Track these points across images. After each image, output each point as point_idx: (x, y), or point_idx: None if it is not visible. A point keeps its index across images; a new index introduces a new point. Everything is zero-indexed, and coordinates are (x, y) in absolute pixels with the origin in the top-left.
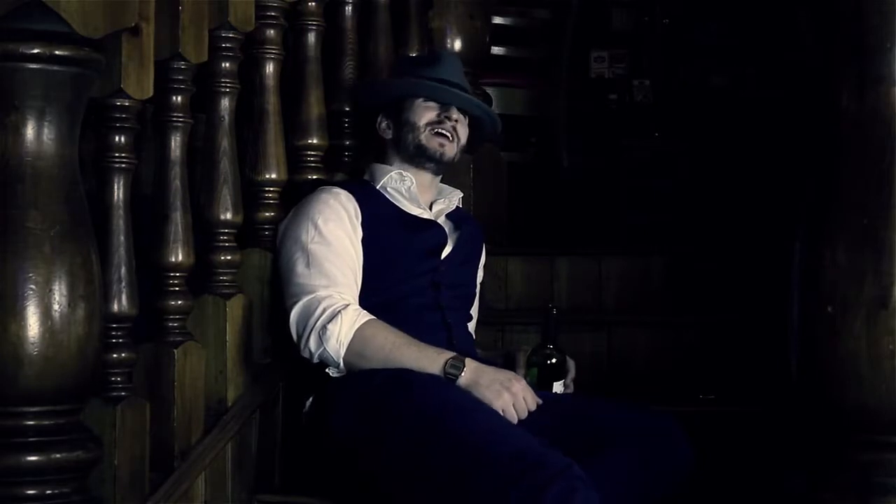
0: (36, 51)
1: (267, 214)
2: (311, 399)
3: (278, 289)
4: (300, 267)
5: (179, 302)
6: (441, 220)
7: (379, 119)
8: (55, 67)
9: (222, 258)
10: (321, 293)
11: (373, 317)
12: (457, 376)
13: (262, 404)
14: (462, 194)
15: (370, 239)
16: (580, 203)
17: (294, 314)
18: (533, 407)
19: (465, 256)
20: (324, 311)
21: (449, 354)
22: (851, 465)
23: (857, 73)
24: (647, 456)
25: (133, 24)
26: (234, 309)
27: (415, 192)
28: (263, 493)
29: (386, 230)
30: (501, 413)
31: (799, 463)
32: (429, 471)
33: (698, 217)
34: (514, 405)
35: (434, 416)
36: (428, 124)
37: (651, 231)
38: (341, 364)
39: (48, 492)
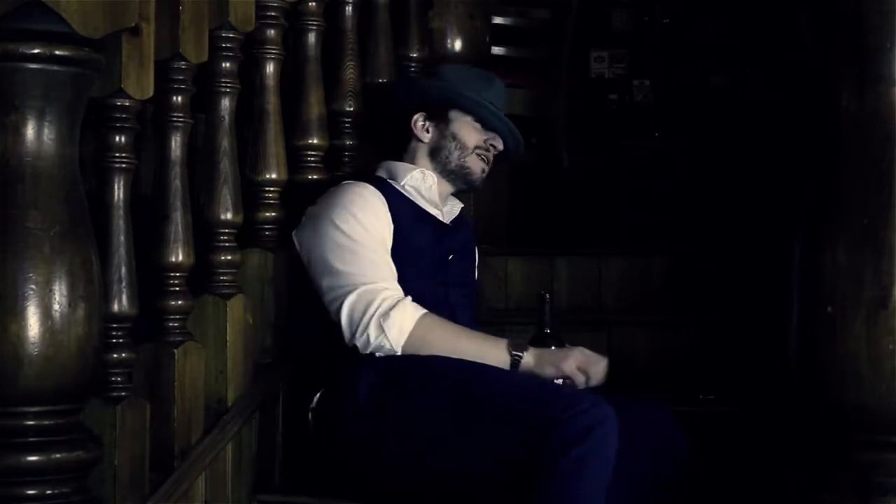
0: (36, 51)
1: (267, 214)
2: (318, 395)
3: (278, 288)
4: (347, 256)
5: (179, 302)
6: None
7: (416, 117)
8: (55, 67)
9: (222, 258)
10: (379, 284)
11: (426, 310)
12: (521, 357)
13: (262, 404)
14: (463, 205)
15: (396, 236)
16: (580, 203)
17: (349, 303)
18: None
19: (464, 256)
20: (383, 300)
21: (506, 340)
22: (851, 465)
23: (857, 73)
24: (644, 448)
25: (133, 24)
26: (234, 309)
27: (434, 192)
28: (263, 493)
29: (408, 229)
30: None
31: (799, 463)
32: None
33: (698, 217)
34: (582, 365)
35: (460, 371)
36: (476, 147)
37: (651, 231)
38: (399, 353)
39: (48, 492)
